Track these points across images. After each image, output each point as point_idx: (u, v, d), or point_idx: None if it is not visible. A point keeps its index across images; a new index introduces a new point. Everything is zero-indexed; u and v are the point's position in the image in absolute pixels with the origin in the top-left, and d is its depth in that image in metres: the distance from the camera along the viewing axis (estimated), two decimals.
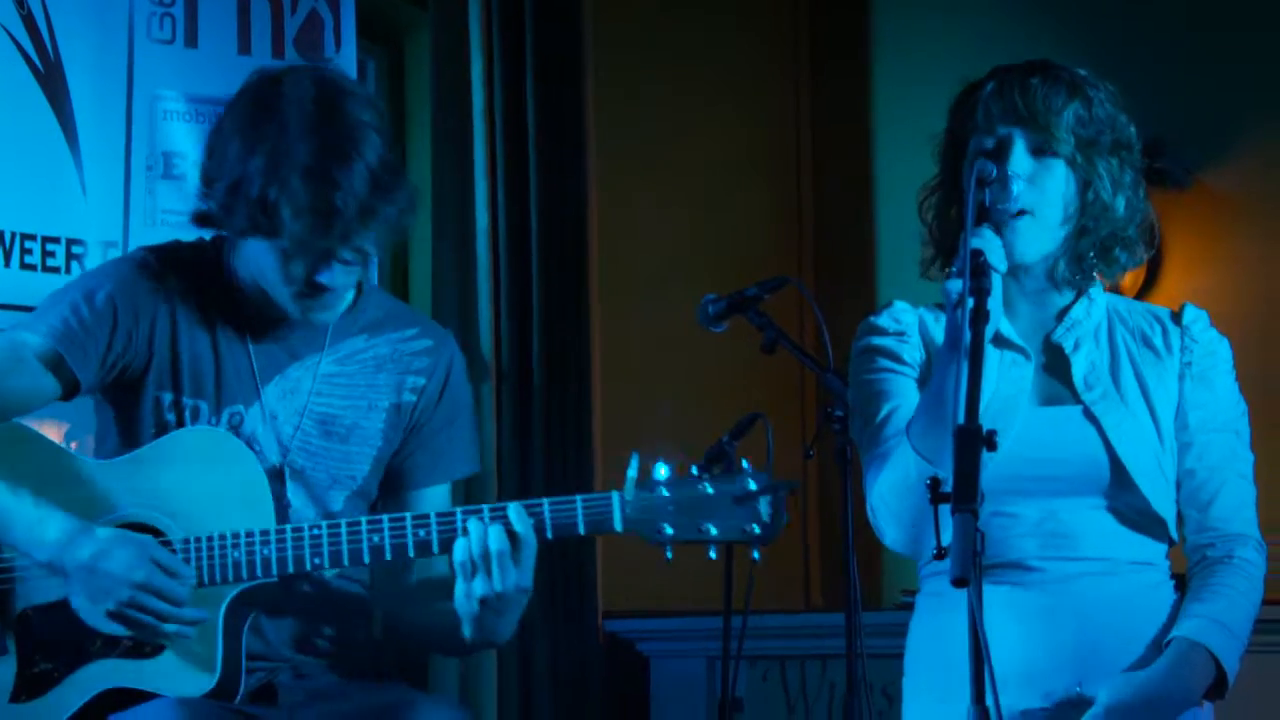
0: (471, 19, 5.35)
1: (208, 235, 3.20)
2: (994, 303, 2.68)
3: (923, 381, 2.98)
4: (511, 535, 2.97)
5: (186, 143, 4.58)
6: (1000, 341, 2.93)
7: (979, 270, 2.66)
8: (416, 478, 3.25)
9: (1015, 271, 2.90)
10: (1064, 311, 3.00)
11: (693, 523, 2.97)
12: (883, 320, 3.04)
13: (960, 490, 2.41)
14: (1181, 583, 2.99)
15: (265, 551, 2.99)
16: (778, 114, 6.14)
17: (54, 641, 3.04)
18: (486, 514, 2.99)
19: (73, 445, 3.52)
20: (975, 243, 2.70)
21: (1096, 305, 3.01)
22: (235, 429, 3.12)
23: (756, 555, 3.05)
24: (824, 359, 3.91)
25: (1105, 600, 2.91)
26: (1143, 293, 5.18)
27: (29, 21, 4.41)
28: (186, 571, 2.98)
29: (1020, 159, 2.89)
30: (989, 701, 2.42)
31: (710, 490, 2.98)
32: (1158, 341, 3.01)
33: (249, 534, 3.00)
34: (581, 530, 2.99)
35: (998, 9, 5.66)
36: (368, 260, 3.10)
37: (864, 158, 6.04)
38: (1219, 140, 5.26)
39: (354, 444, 3.19)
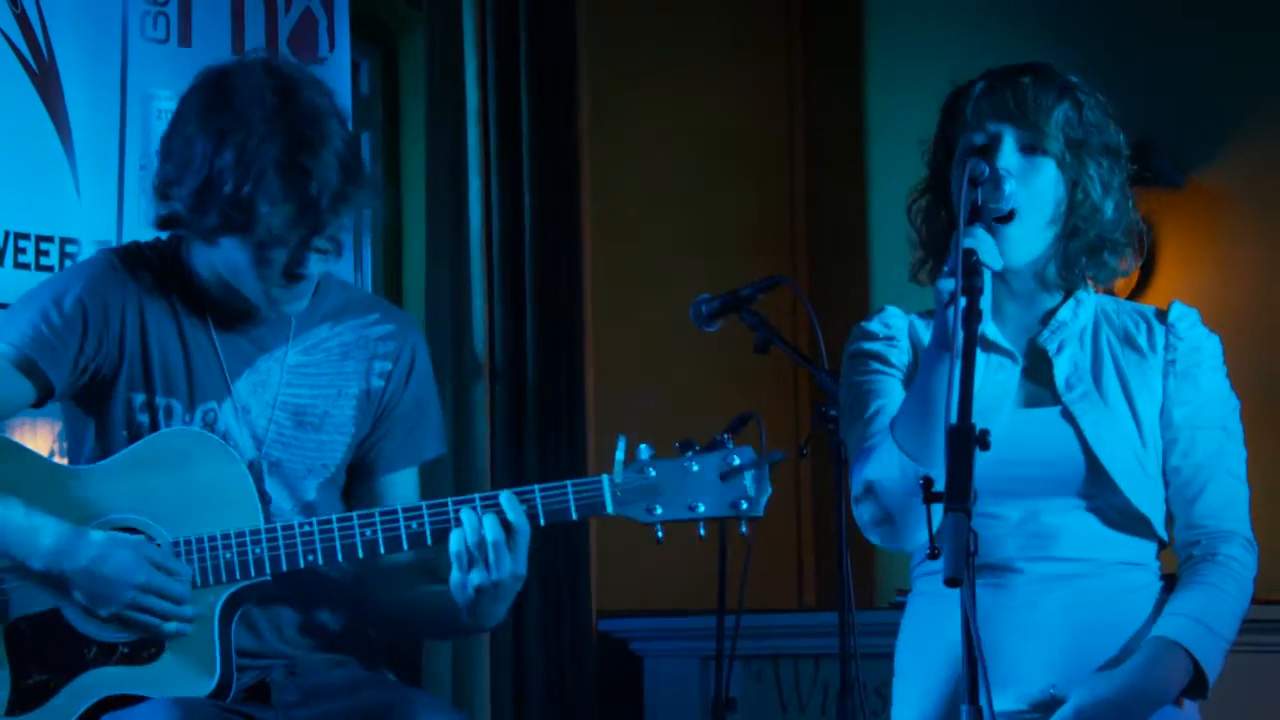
0: (465, 18, 5.35)
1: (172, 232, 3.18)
2: (984, 302, 2.69)
3: (907, 383, 2.99)
4: (505, 524, 2.99)
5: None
6: (986, 345, 2.94)
7: (971, 269, 2.67)
8: (386, 462, 3.25)
9: (1004, 274, 2.91)
10: (1050, 314, 3.01)
11: (681, 500, 3.00)
12: (873, 325, 3.06)
13: (953, 490, 2.42)
14: (1172, 584, 2.99)
15: (257, 551, 2.99)
16: (771, 114, 6.14)
17: (48, 652, 3.03)
18: (479, 503, 3.00)
19: (63, 446, 3.51)
20: (968, 242, 2.70)
21: (1084, 307, 3.01)
22: (210, 426, 3.12)
23: (745, 529, 3.04)
24: (817, 358, 3.92)
25: (1087, 601, 2.91)
26: (1135, 293, 5.18)
27: (23, 21, 4.41)
28: (183, 569, 2.99)
29: (1010, 156, 2.90)
30: (982, 701, 2.42)
31: (696, 468, 3.00)
32: (1142, 340, 3.01)
33: (239, 534, 3.00)
34: (574, 515, 3.01)
35: (991, 10, 5.67)
36: (340, 247, 3.11)
37: (857, 157, 6.04)
38: (1212, 140, 5.26)
39: (327, 432, 3.19)
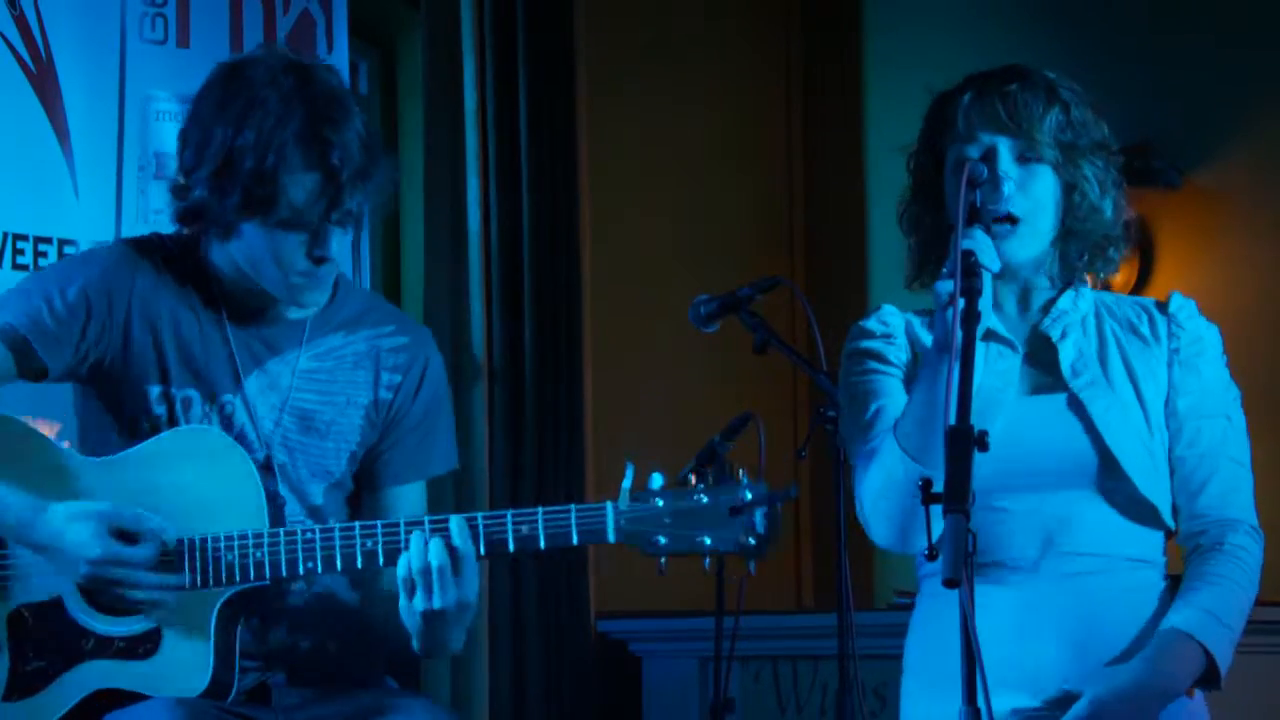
0: (463, 19, 5.35)
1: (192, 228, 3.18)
2: (984, 303, 2.68)
3: (907, 381, 2.99)
4: (451, 550, 2.92)
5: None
6: (987, 335, 2.94)
7: (970, 270, 2.67)
8: (391, 475, 3.24)
9: (1003, 273, 2.91)
10: (1050, 303, 3.01)
11: (687, 534, 2.90)
12: (871, 324, 3.05)
13: (952, 491, 2.41)
14: (1176, 583, 2.98)
15: (258, 555, 2.99)
16: (769, 115, 6.14)
17: (47, 640, 3.04)
18: (428, 527, 2.95)
19: (65, 445, 3.51)
20: (966, 243, 2.70)
21: (1084, 298, 3.02)
22: (227, 419, 3.12)
23: (752, 568, 2.94)
24: (816, 359, 3.92)
25: (1099, 597, 2.91)
26: (1135, 290, 5.18)
27: (21, 22, 4.41)
28: (151, 530, 2.97)
29: (1007, 166, 2.90)
30: (980, 702, 2.42)
31: (705, 500, 2.89)
32: (1145, 330, 3.02)
33: (242, 536, 2.99)
34: (575, 540, 2.93)
35: (990, 10, 5.67)
36: (360, 224, 3.11)
37: (856, 158, 6.04)
38: (1209, 140, 5.26)
39: (332, 440, 3.19)
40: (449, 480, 5.09)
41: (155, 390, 3.12)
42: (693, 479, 2.92)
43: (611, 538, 2.91)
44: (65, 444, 3.22)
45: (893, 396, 2.97)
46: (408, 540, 2.94)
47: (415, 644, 3.02)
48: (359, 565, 2.99)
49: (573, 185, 5.49)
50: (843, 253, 6.01)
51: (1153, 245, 5.25)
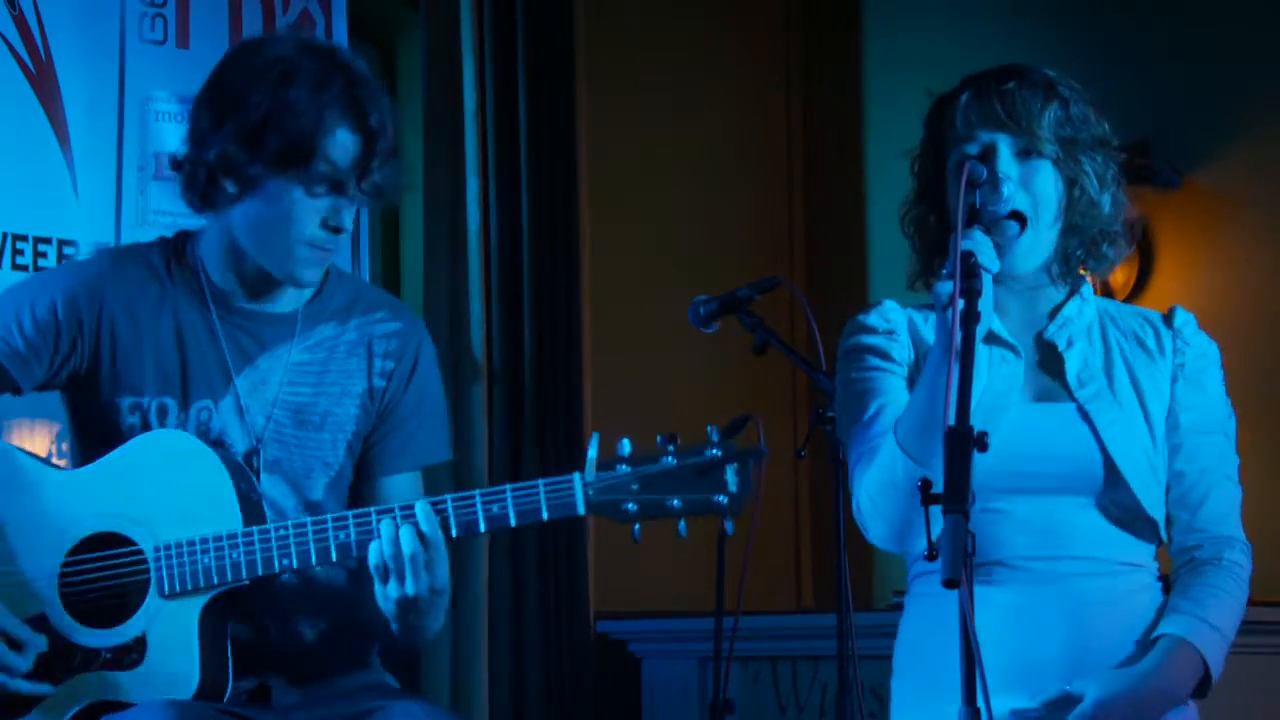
0: (463, 19, 5.35)
1: (192, 198, 3.15)
2: (984, 303, 2.68)
3: (911, 381, 2.99)
4: (421, 537, 2.92)
5: (178, 143, 4.58)
6: (990, 338, 2.94)
7: (970, 271, 2.66)
8: (385, 464, 3.22)
9: (1005, 274, 2.91)
10: (1056, 309, 3.01)
11: (656, 498, 2.84)
12: (871, 319, 3.04)
13: (951, 491, 2.41)
14: (1168, 585, 2.99)
15: (234, 555, 2.97)
16: (769, 114, 6.14)
17: (35, 658, 3.03)
18: (398, 514, 2.93)
19: (64, 447, 3.52)
20: (966, 244, 2.70)
21: (1088, 305, 3.02)
22: (204, 425, 3.11)
23: (729, 527, 2.87)
24: (815, 359, 3.92)
25: (1094, 600, 2.91)
26: (1133, 293, 5.18)
27: (20, 22, 4.41)
28: (32, 642, 3.00)
29: (1007, 164, 2.90)
30: (979, 703, 2.42)
31: (673, 463, 2.84)
32: (1150, 343, 3.01)
33: (218, 538, 2.98)
34: (545, 515, 2.89)
35: (990, 10, 5.67)
36: (389, 200, 3.14)
37: (855, 158, 6.04)
38: (1209, 141, 5.26)
39: (329, 431, 3.18)
40: (449, 479, 5.09)
41: (127, 402, 3.11)
42: (664, 442, 2.87)
43: (581, 509, 2.87)
44: (64, 446, 3.22)
45: (894, 395, 2.96)
46: (378, 528, 2.93)
47: (394, 628, 3.02)
48: (333, 558, 2.97)
49: (572, 185, 5.48)
50: (842, 253, 6.01)
51: (1152, 245, 5.24)
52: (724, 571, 3.88)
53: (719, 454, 2.84)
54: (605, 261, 5.58)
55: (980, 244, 2.73)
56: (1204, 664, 2.89)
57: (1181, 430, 2.98)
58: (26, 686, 2.99)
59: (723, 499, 2.83)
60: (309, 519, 3.00)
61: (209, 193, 3.09)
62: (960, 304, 2.63)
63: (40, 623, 3.03)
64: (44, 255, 4.42)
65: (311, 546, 2.96)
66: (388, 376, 3.21)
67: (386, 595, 2.94)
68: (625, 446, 2.87)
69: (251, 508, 3.03)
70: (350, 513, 2.98)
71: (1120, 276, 5.14)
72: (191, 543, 2.98)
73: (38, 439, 4.16)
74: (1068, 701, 2.86)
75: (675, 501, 2.84)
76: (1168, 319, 3.03)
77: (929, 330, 3.00)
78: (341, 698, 3.11)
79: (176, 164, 3.13)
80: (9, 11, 4.40)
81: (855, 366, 3.02)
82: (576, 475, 2.88)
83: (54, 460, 3.38)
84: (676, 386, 5.63)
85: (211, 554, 2.98)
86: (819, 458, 5.08)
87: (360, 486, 3.23)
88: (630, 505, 2.86)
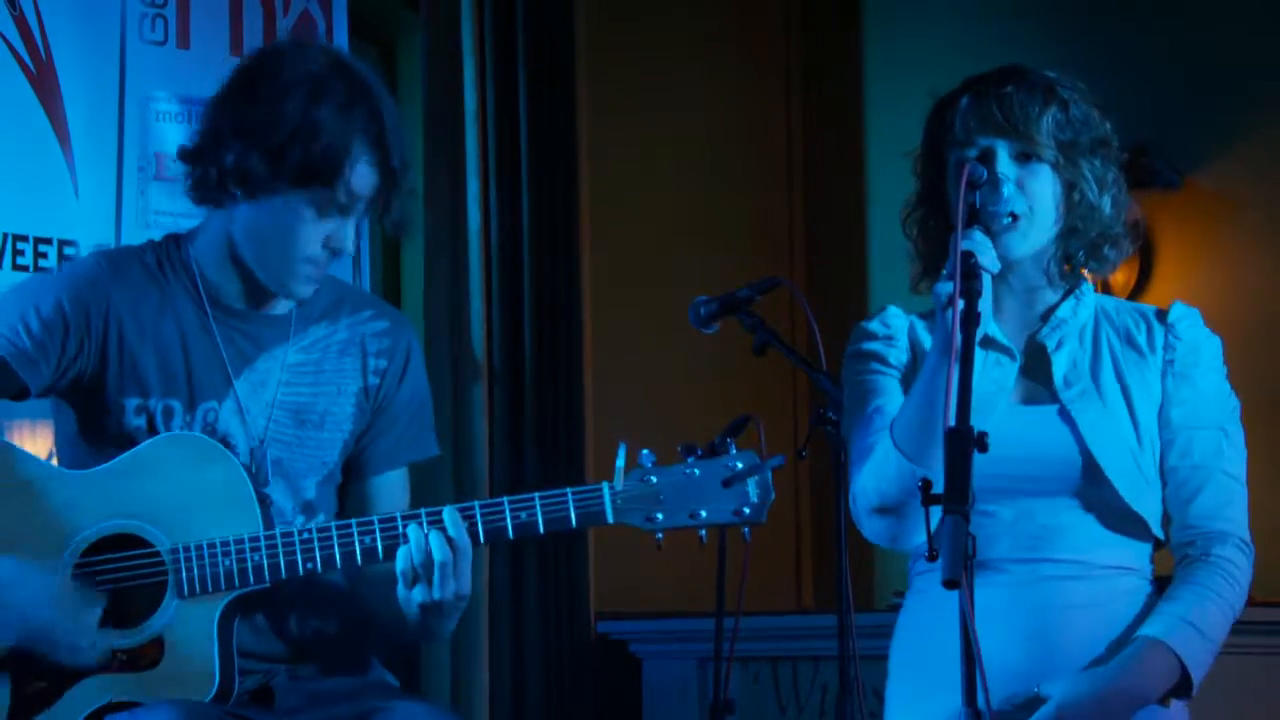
0: (463, 20, 5.36)
1: (196, 193, 3.15)
2: (984, 304, 2.69)
3: (904, 383, 3.00)
4: (451, 543, 2.95)
5: (189, 136, 4.58)
6: (986, 342, 2.94)
7: (970, 272, 2.67)
8: (377, 462, 3.23)
9: (1004, 273, 2.91)
10: (1050, 311, 3.01)
11: (683, 508, 2.93)
12: (873, 325, 3.07)
13: (951, 492, 2.42)
14: (1163, 587, 2.98)
15: (256, 558, 2.98)
16: (769, 115, 6.14)
17: (48, 658, 3.03)
18: (425, 519, 2.96)
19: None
20: (966, 245, 2.71)
21: (1084, 305, 3.02)
22: (210, 426, 3.11)
23: (748, 535, 2.98)
24: (816, 360, 3.91)
25: (1073, 603, 2.91)
26: (1135, 292, 5.18)
27: (21, 23, 4.41)
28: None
29: (1006, 167, 2.90)
30: (980, 703, 2.42)
31: (698, 474, 2.94)
32: (1142, 340, 3.02)
33: (239, 541, 2.98)
34: (574, 523, 2.95)
35: (990, 10, 5.67)
36: (405, 228, 3.17)
37: (856, 159, 6.04)
38: (1210, 141, 5.26)
39: (327, 430, 3.19)
40: (449, 480, 5.10)
41: (133, 403, 3.10)
42: (685, 453, 2.95)
43: (610, 518, 2.94)
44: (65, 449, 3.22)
45: (890, 396, 2.99)
46: (405, 533, 2.95)
47: (409, 633, 3.05)
48: (359, 562, 2.99)
49: (573, 185, 5.49)
50: (843, 253, 6.01)
51: (1152, 246, 5.25)
52: (724, 572, 3.88)
53: (741, 465, 2.93)
54: (605, 261, 5.58)
55: (980, 245, 2.74)
56: (1181, 665, 2.87)
57: (1173, 426, 2.98)
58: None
59: (746, 509, 2.94)
60: (334, 523, 3.01)
61: (216, 193, 3.09)
62: (960, 304, 2.63)
63: None
64: (44, 256, 4.42)
65: (336, 550, 2.98)
66: (381, 375, 3.22)
67: (410, 599, 2.97)
68: (648, 457, 2.92)
69: (266, 508, 3.04)
70: (375, 518, 3.00)
71: (1120, 277, 5.14)
72: (212, 545, 2.99)
73: (38, 440, 4.16)
74: (1035, 703, 2.86)
75: (702, 512, 2.94)
76: (1162, 314, 3.04)
77: (929, 336, 3.00)
78: (343, 698, 3.11)
79: (186, 155, 3.12)
80: (9, 12, 4.40)
81: (856, 370, 3.06)
82: (606, 485, 2.94)
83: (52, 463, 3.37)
84: (677, 387, 5.63)
85: (233, 557, 2.98)
86: (819, 458, 5.07)
87: (350, 485, 3.24)
88: (658, 515, 2.94)
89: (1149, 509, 2.95)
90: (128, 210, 4.56)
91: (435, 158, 5.35)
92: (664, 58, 5.88)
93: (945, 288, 2.69)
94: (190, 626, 2.99)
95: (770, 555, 5.68)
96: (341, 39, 4.88)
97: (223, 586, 2.98)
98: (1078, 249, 2.97)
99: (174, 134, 4.60)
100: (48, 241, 4.44)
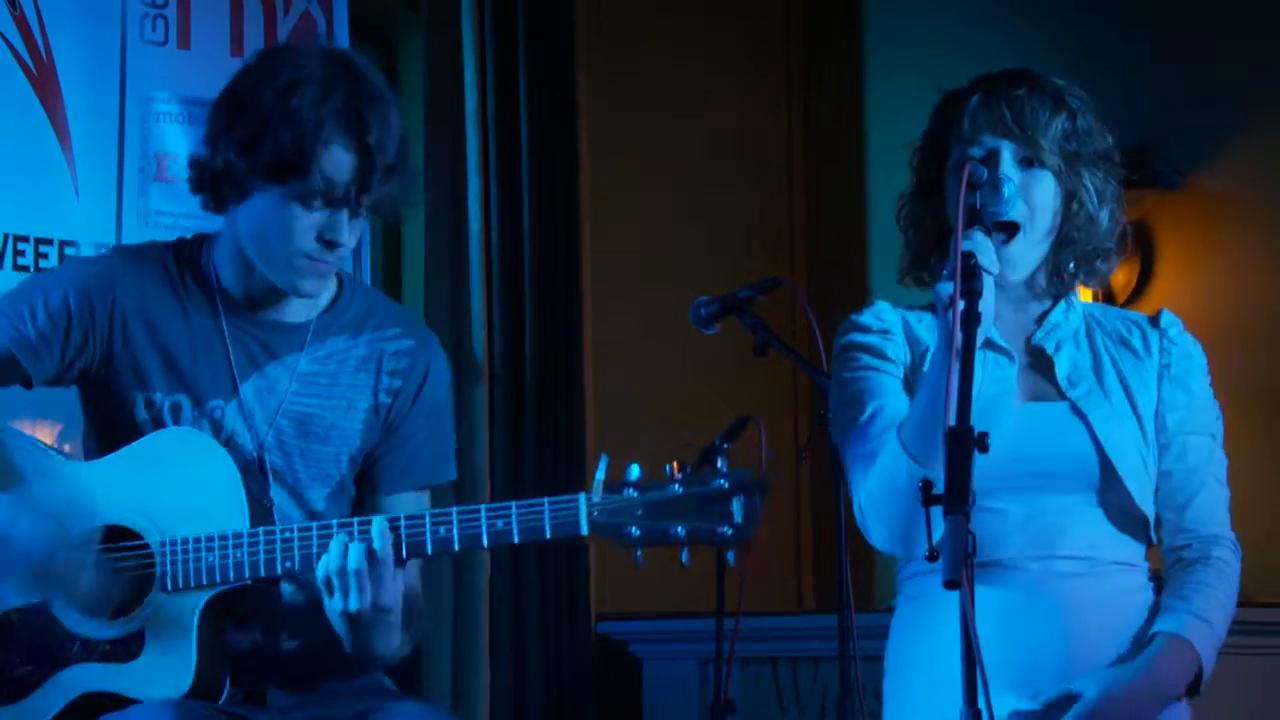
0: (464, 21, 5.36)
1: (202, 198, 3.15)
2: (985, 304, 2.69)
3: (907, 381, 2.99)
4: (371, 554, 2.90)
5: (179, 144, 4.59)
6: (985, 344, 2.94)
7: (971, 273, 2.67)
8: (387, 482, 3.22)
9: (999, 280, 2.91)
10: (1044, 315, 3.02)
11: (660, 525, 2.82)
12: (865, 318, 3.04)
13: (952, 492, 2.42)
14: (1160, 584, 2.99)
15: (238, 555, 2.98)
16: (770, 115, 6.14)
17: (34, 644, 3.04)
18: (356, 529, 2.93)
19: (66, 448, 3.52)
20: (967, 245, 2.71)
21: (1074, 310, 3.03)
22: (217, 424, 3.12)
23: (731, 558, 2.86)
24: (816, 360, 3.92)
25: (1089, 600, 2.91)
26: (1134, 295, 5.18)
27: (22, 24, 4.41)
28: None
29: (1009, 170, 2.91)
30: (981, 704, 2.42)
31: (680, 490, 2.82)
32: (1136, 343, 3.03)
33: (223, 537, 2.98)
34: (548, 534, 2.88)
35: (991, 10, 5.67)
36: (395, 212, 3.12)
37: (857, 158, 6.04)
38: (1210, 142, 5.26)
39: (333, 444, 3.18)
40: (450, 484, 5.09)
41: (140, 397, 3.11)
42: (672, 470, 2.85)
43: (584, 530, 2.85)
44: (66, 447, 3.23)
45: (890, 395, 2.96)
46: (328, 543, 2.92)
47: (345, 645, 3.00)
48: None
49: (573, 185, 5.49)
50: (843, 253, 6.01)
51: (1153, 247, 5.25)
52: (725, 572, 3.88)
53: (726, 485, 2.81)
54: (606, 262, 5.58)
55: (981, 245, 2.74)
56: (1198, 661, 2.89)
57: (1169, 430, 2.99)
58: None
59: (727, 530, 2.80)
60: (314, 523, 3.00)
61: (216, 196, 3.10)
62: (961, 305, 2.63)
63: (42, 611, 3.04)
64: (45, 256, 4.43)
65: (314, 549, 2.97)
66: (394, 394, 3.21)
67: (332, 608, 2.94)
68: (634, 471, 2.86)
69: (260, 511, 3.03)
70: (354, 519, 2.98)
71: (1121, 278, 5.14)
72: (197, 540, 2.99)
73: (41, 437, 4.16)
74: (1067, 701, 2.86)
75: (679, 529, 2.82)
76: (1154, 320, 3.05)
77: (923, 330, 3.01)
78: (337, 700, 3.11)
79: (193, 166, 3.13)
80: (10, 12, 4.40)
81: (849, 366, 3.02)
82: (582, 495, 2.86)
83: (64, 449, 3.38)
84: (678, 387, 5.64)
85: (216, 552, 2.98)
86: (820, 459, 5.08)
87: (364, 501, 3.23)
88: (634, 530, 2.84)
89: (1151, 509, 2.96)
90: (128, 211, 4.56)
91: (436, 158, 5.34)
92: (664, 58, 5.88)
93: (946, 288, 2.69)
94: (171, 620, 2.99)
95: (770, 555, 5.68)
96: (342, 39, 4.88)
97: (204, 581, 2.98)
98: (1069, 260, 2.98)
99: (174, 134, 4.61)
100: (48, 242, 4.44)
